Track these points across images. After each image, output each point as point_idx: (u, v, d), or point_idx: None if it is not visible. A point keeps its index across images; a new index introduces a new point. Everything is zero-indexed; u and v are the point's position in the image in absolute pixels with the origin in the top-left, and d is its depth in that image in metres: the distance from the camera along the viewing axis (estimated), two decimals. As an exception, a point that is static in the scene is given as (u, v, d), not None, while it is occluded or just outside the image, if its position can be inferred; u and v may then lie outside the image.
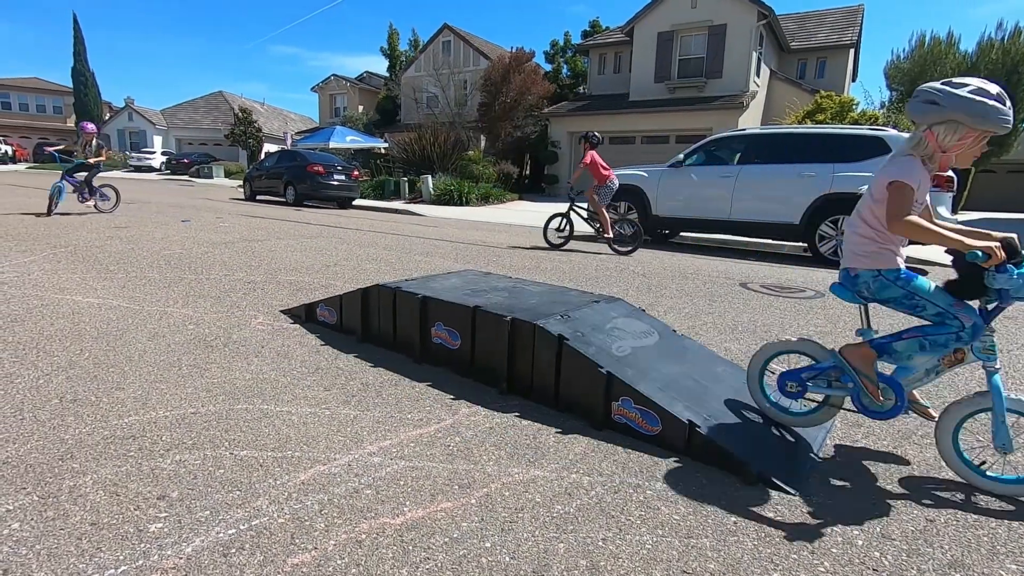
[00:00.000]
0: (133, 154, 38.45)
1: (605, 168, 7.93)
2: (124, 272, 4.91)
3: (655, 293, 5.03)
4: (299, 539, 1.51)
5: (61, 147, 9.84)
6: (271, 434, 2.10)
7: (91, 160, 9.45)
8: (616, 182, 8.01)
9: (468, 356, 2.75)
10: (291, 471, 1.84)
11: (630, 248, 7.69)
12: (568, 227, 8.28)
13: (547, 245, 8.34)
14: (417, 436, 2.14)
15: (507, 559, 1.46)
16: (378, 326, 3.19)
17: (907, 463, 2.07)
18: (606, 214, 7.88)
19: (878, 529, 1.65)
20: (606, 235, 7.83)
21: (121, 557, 1.41)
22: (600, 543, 1.54)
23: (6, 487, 1.69)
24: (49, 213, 8.96)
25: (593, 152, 7.96)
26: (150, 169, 35.93)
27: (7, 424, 2.09)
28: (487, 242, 8.58)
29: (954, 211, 7.19)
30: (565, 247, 8.21)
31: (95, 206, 9.73)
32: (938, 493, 1.87)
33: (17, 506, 1.61)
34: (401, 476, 1.84)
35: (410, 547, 1.50)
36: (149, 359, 2.83)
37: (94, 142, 9.33)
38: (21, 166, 36.99)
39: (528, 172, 25.09)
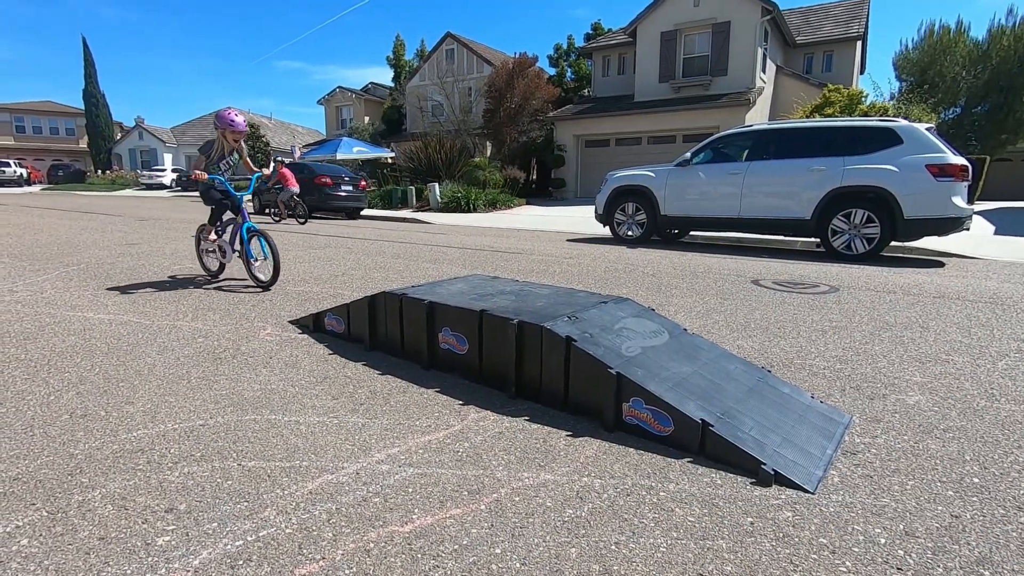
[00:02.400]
0: (144, 172, 38.96)
1: (290, 180, 13.40)
2: (135, 288, 4.94)
3: (665, 293, 4.98)
4: (307, 549, 1.49)
5: (205, 167, 4.94)
6: (279, 444, 2.08)
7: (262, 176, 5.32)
8: (294, 189, 13.47)
9: (476, 361, 2.72)
10: (299, 481, 1.82)
11: (303, 222, 13.03)
12: (277, 214, 13.85)
13: (271, 221, 13.53)
14: (426, 443, 2.11)
15: (518, 565, 1.43)
16: (385, 333, 3.18)
17: (929, 458, 2.01)
18: (284, 207, 13.74)
19: (901, 527, 1.60)
20: (280, 218, 13.74)
21: (128, 571, 1.40)
22: (613, 547, 1.51)
23: (16, 503, 1.69)
24: (216, 274, 5.45)
25: (284, 169, 13.55)
26: (161, 186, 36.38)
27: (18, 440, 2.09)
28: (495, 247, 8.57)
29: (970, 201, 7.07)
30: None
31: (252, 272, 5.07)
32: (963, 488, 1.81)
33: (26, 522, 1.60)
34: (410, 483, 1.82)
35: (419, 555, 1.47)
36: (158, 373, 2.83)
37: (243, 146, 5.20)
38: (35, 187, 37.61)
39: (535, 176, 25.09)
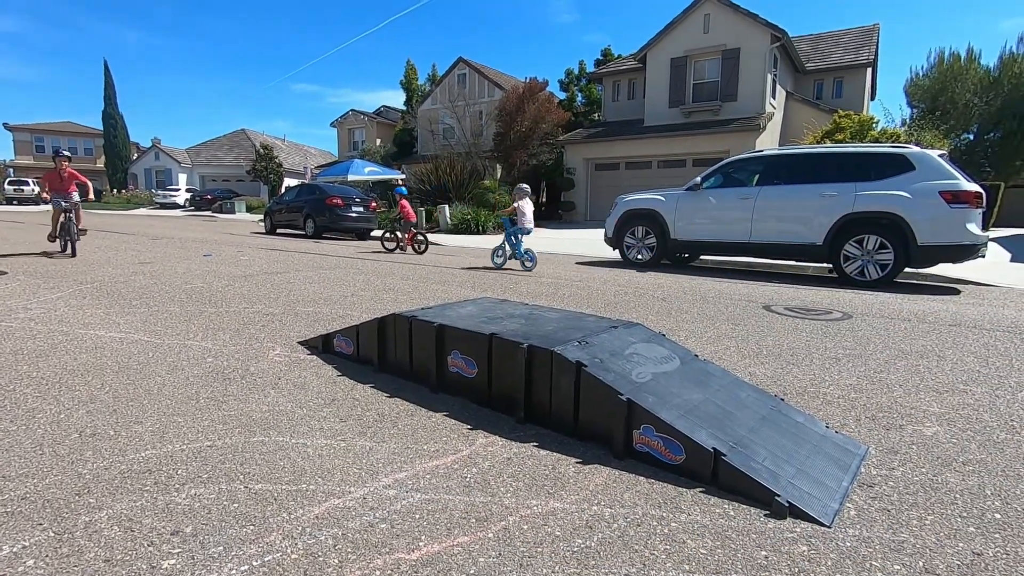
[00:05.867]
0: (158, 192, 39.57)
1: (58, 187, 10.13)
2: (146, 306, 4.98)
3: (675, 318, 4.95)
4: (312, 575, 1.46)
5: None
6: (286, 467, 2.07)
7: None
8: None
9: (485, 384, 2.70)
10: (305, 505, 1.80)
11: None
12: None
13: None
14: (433, 468, 2.09)
15: (526, 597, 1.40)
16: (395, 356, 3.17)
17: (948, 492, 1.96)
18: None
19: (920, 564, 1.55)
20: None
21: (132, 596, 1.38)
22: (624, 580, 1.47)
23: (23, 523, 1.68)
24: None
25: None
26: (175, 206, 36.90)
27: (27, 459, 2.09)
28: (503, 268, 8.57)
29: (985, 228, 7.01)
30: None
31: None
32: (984, 524, 1.76)
33: (33, 542, 1.59)
34: (417, 509, 1.80)
35: (426, 585, 1.44)
36: (168, 392, 2.84)
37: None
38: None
39: (545, 199, 25.24)
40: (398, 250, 11.66)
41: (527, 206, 8.64)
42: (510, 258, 8.75)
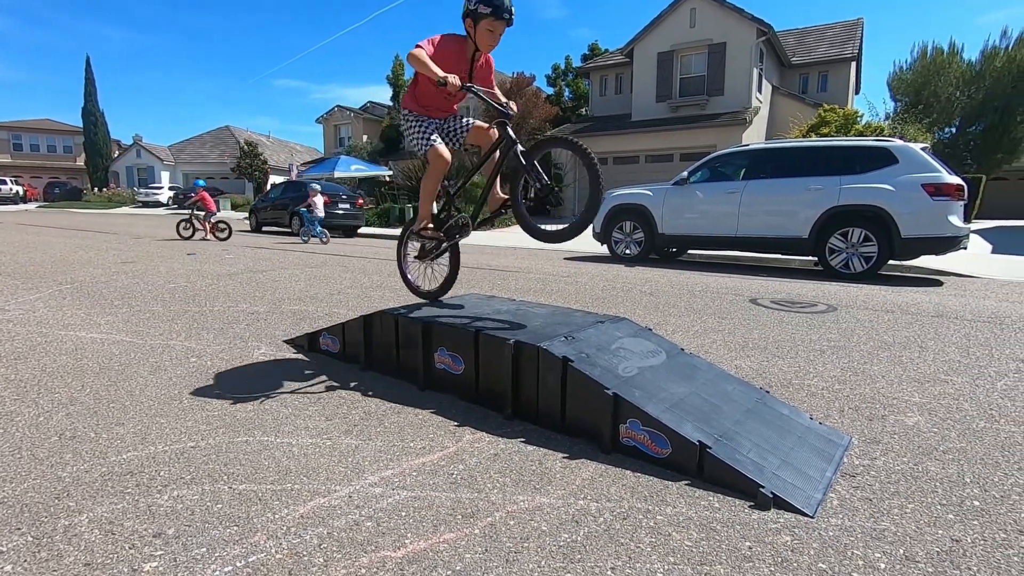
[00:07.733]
0: (141, 190, 39.04)
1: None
2: (128, 306, 4.92)
3: (662, 312, 4.97)
4: (297, 575, 1.45)
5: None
6: (271, 466, 2.05)
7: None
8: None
9: (472, 381, 2.70)
10: (290, 504, 1.79)
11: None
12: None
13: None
14: (420, 465, 2.08)
15: (512, 593, 1.40)
16: (381, 353, 3.16)
17: (929, 480, 1.99)
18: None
19: (901, 551, 1.57)
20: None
21: (112, 600, 1.37)
22: (609, 572, 1.48)
23: (1, 528, 1.65)
24: None
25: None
26: (157, 204, 36.43)
27: (5, 463, 2.06)
28: (492, 265, 8.57)
29: (967, 220, 7.10)
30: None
31: None
32: (963, 511, 1.78)
33: (11, 547, 1.57)
34: (403, 507, 1.79)
35: (411, 582, 1.44)
36: (150, 393, 2.80)
37: None
38: (31, 205, 37.64)
39: (532, 195, 25.21)
40: (196, 235, 13.58)
41: (317, 199, 12.99)
42: (312, 236, 12.88)
